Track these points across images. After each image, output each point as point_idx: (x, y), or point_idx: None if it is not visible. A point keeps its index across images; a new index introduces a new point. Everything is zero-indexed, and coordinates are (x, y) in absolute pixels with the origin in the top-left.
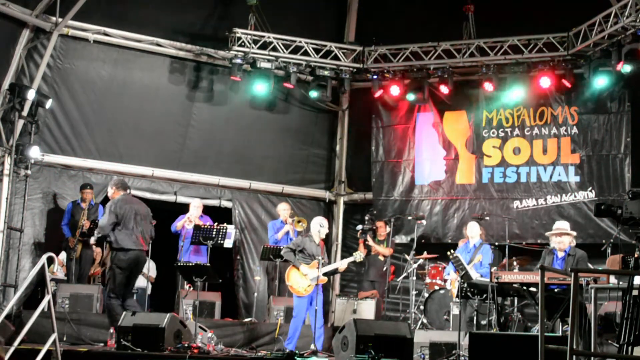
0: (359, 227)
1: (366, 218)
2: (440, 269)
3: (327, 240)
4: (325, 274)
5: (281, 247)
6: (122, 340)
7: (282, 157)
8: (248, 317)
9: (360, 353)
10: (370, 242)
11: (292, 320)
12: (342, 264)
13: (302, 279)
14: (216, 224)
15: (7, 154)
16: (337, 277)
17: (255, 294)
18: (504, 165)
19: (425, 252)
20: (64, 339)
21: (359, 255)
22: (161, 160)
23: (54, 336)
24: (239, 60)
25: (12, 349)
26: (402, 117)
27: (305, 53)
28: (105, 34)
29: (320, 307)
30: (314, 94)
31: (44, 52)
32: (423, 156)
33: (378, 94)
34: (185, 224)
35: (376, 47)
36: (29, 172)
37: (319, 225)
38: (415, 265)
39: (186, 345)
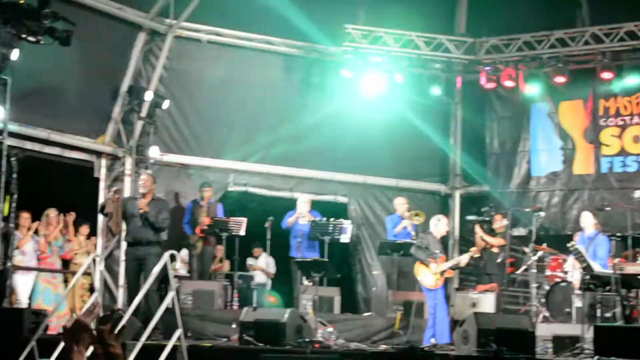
0: (470, 217)
1: (483, 209)
2: (560, 260)
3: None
4: (450, 268)
5: (399, 242)
6: (244, 335)
7: (396, 151)
8: (367, 311)
9: (481, 347)
10: (480, 233)
11: (429, 315)
12: (463, 259)
13: (431, 275)
14: (332, 219)
15: (128, 155)
16: (456, 271)
17: (374, 289)
18: (623, 154)
19: (544, 244)
20: (189, 334)
21: (474, 249)
22: (276, 157)
23: (179, 332)
24: (349, 56)
25: (139, 345)
26: (517, 108)
27: (416, 46)
28: (218, 34)
29: (444, 301)
30: (426, 87)
31: (159, 54)
32: (539, 147)
33: (491, 85)
34: (297, 219)
35: (488, 38)
36: (149, 171)
37: (436, 221)
38: (535, 258)
39: (307, 340)
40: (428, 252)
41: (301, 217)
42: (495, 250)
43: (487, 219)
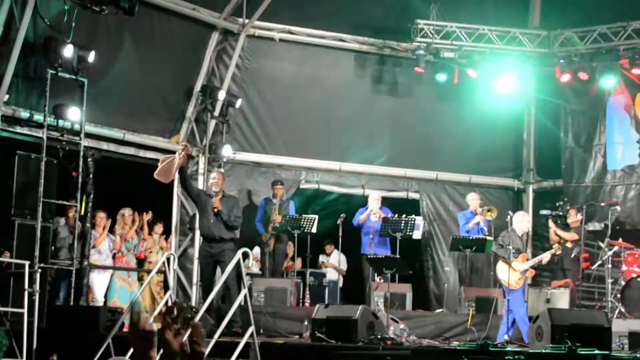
0: (544, 212)
1: (558, 204)
2: (636, 255)
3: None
4: (531, 267)
5: (471, 238)
6: (316, 332)
7: (468, 147)
8: (439, 308)
9: (555, 343)
10: (553, 227)
11: (510, 314)
12: (545, 257)
13: (513, 273)
14: (404, 215)
15: (202, 154)
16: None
17: (446, 285)
18: None
19: (620, 239)
20: (261, 331)
21: (558, 247)
22: (348, 154)
23: (251, 329)
24: (422, 52)
25: (212, 342)
26: (592, 101)
27: (489, 40)
28: (290, 32)
29: (523, 300)
30: (498, 81)
31: (232, 53)
32: (615, 140)
33: (566, 78)
34: (368, 216)
35: (562, 31)
36: (222, 170)
37: (520, 217)
38: (610, 253)
39: (379, 336)
40: (509, 250)
41: (372, 213)
42: (569, 245)
43: (562, 213)
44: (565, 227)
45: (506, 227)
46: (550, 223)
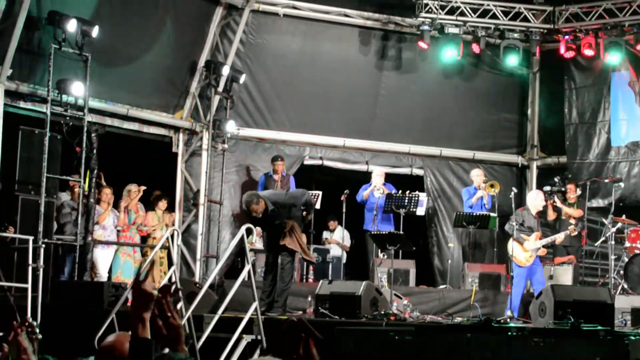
0: (546, 188)
1: (556, 179)
2: None
3: (521, 206)
4: (544, 246)
5: (475, 214)
6: (320, 308)
7: (472, 123)
8: (443, 284)
9: (558, 319)
10: (559, 204)
11: (512, 288)
12: (559, 237)
13: (523, 252)
14: (408, 192)
15: (205, 129)
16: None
17: (449, 261)
18: None
19: (623, 216)
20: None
21: (574, 228)
22: (352, 130)
23: (255, 304)
24: (426, 27)
25: (216, 318)
26: (596, 78)
27: (494, 16)
28: (294, 7)
29: (542, 279)
30: (503, 57)
31: (236, 29)
32: (619, 117)
33: (570, 54)
34: (372, 192)
35: (567, 6)
36: (225, 146)
37: (534, 195)
38: (614, 229)
39: (382, 312)
40: (522, 229)
41: (376, 189)
42: (572, 221)
43: (563, 189)
44: (564, 202)
45: (510, 204)
46: (556, 200)
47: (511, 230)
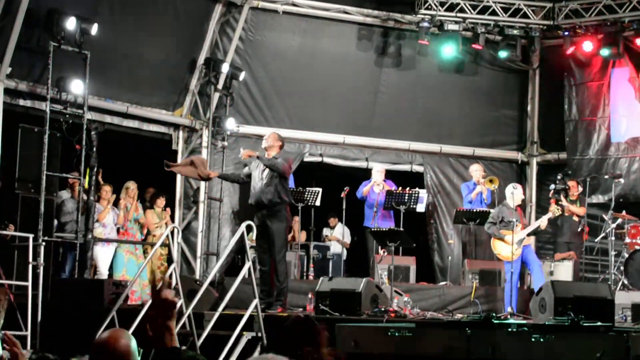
0: (552, 186)
1: (558, 177)
2: None
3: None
4: (528, 235)
5: (475, 210)
6: (320, 305)
7: (472, 120)
8: (443, 280)
9: (558, 315)
10: (564, 202)
11: (505, 284)
12: (542, 221)
13: (507, 246)
14: (408, 188)
15: (205, 127)
16: (532, 239)
17: (450, 258)
18: None
19: (623, 212)
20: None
21: (555, 210)
22: (352, 127)
23: (255, 302)
24: (426, 24)
25: (216, 315)
26: (596, 74)
27: (494, 12)
28: (294, 4)
29: (539, 270)
30: (503, 54)
31: (236, 26)
32: (619, 113)
33: (570, 50)
34: (372, 188)
35: (567, 3)
36: (225, 143)
37: (512, 189)
38: (614, 225)
39: (383, 309)
40: (502, 224)
41: (376, 185)
42: (575, 218)
43: (566, 187)
44: (567, 199)
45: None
46: (561, 197)
47: (490, 229)
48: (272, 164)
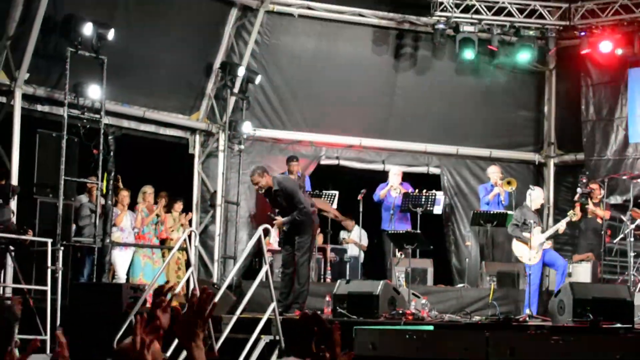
0: (579, 190)
1: (583, 180)
2: None
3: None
4: (547, 238)
5: (492, 212)
6: (337, 307)
7: (488, 121)
8: (461, 282)
9: (577, 317)
10: (591, 206)
11: (527, 287)
12: (561, 225)
13: (529, 250)
14: (425, 191)
15: (222, 131)
16: (551, 241)
17: (467, 260)
18: None
19: None
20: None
21: (572, 214)
22: (368, 130)
23: (273, 305)
24: (441, 26)
25: (234, 318)
26: (613, 74)
27: (509, 14)
28: (309, 8)
29: (563, 271)
30: (519, 55)
31: (251, 30)
32: (636, 113)
33: (586, 51)
34: (390, 191)
35: (583, 3)
36: (242, 147)
37: (530, 192)
38: (633, 226)
39: (400, 311)
40: (524, 227)
41: (393, 189)
42: (599, 221)
43: (591, 190)
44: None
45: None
46: (589, 201)
47: (514, 232)
48: (292, 221)
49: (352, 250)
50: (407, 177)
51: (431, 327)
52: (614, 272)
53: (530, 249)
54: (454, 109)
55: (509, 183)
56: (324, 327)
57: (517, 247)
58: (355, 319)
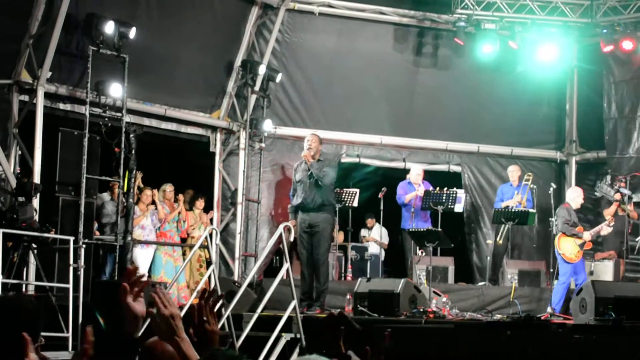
0: (623, 191)
1: (621, 179)
2: None
3: (560, 202)
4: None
5: (513, 210)
6: (358, 306)
7: (510, 119)
8: (482, 281)
9: (599, 315)
10: (629, 208)
11: (558, 285)
12: (604, 230)
13: (573, 246)
14: (446, 189)
15: (242, 129)
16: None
17: (488, 258)
18: None
19: None
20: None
21: (609, 219)
22: (389, 128)
23: (293, 303)
24: (462, 23)
25: (255, 316)
26: (636, 71)
27: (531, 11)
28: (330, 6)
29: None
30: (540, 52)
31: (272, 28)
32: None
33: (609, 48)
34: (409, 190)
35: (605, 0)
36: (263, 145)
37: (573, 192)
38: None
39: (421, 310)
40: (571, 225)
41: (417, 192)
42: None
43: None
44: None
45: (548, 200)
46: (626, 201)
47: (568, 231)
48: (320, 178)
49: (373, 248)
50: (427, 175)
51: (452, 326)
52: (637, 270)
53: (575, 248)
54: (475, 107)
55: (526, 180)
56: (351, 328)
57: (563, 243)
58: (376, 317)
